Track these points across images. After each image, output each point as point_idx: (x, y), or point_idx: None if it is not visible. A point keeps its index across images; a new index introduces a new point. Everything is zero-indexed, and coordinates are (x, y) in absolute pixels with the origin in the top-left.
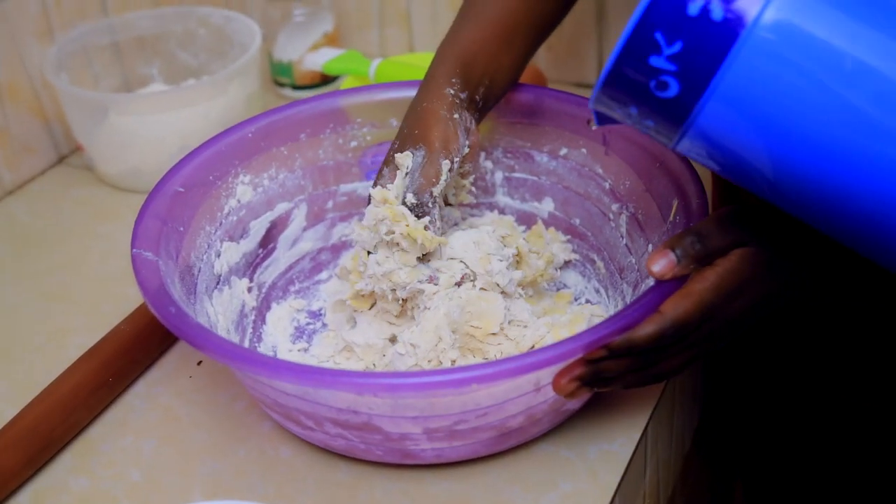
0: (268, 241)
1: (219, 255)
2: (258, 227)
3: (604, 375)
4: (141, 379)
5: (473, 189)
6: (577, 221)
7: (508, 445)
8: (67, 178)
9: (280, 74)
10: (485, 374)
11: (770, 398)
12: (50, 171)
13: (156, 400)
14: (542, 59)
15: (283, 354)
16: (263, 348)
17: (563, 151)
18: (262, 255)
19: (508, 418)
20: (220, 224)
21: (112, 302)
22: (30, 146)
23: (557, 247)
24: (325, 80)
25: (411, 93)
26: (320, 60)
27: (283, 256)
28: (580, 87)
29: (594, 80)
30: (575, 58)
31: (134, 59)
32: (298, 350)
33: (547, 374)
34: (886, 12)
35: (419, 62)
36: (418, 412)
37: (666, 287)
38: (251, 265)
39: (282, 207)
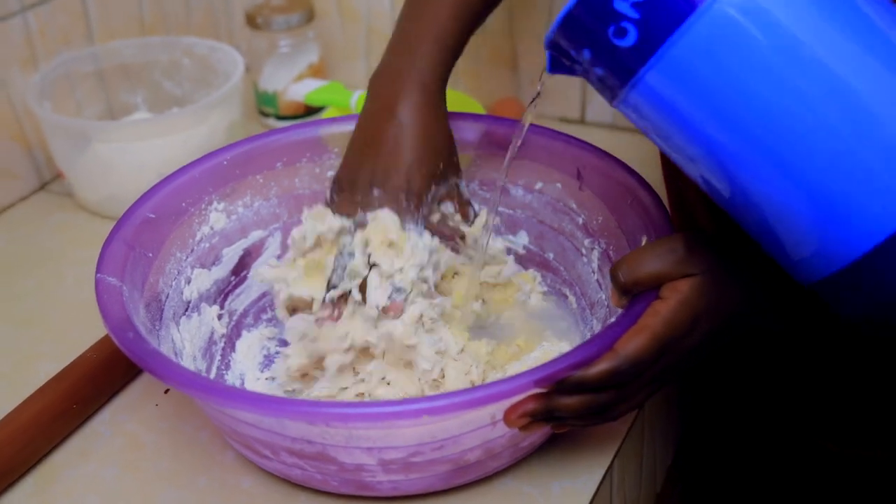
0: (241, 268)
1: (189, 282)
2: (231, 255)
3: (557, 412)
4: (107, 406)
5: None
6: (551, 256)
7: (467, 480)
8: (48, 205)
9: (265, 105)
10: (436, 406)
11: (749, 435)
12: (32, 198)
13: (121, 427)
14: (526, 94)
15: (251, 383)
16: (231, 376)
17: (539, 185)
18: (234, 283)
19: (465, 452)
20: (192, 251)
21: (83, 329)
22: (11, 172)
23: (534, 297)
24: (310, 111)
25: None
26: (303, 91)
27: (255, 284)
28: (563, 123)
29: (577, 114)
30: (558, 93)
31: (118, 87)
32: (266, 379)
33: (501, 409)
34: (848, 14)
35: None
36: (371, 443)
37: (624, 324)
38: (222, 292)
39: (256, 235)
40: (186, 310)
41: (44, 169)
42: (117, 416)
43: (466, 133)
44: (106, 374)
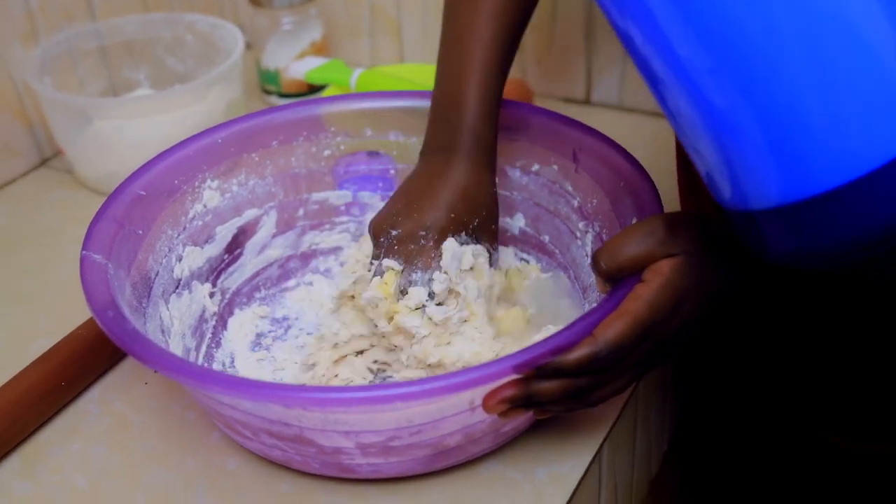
0: (234, 246)
1: (180, 260)
2: (224, 233)
3: (536, 398)
4: (97, 384)
5: None
6: (547, 238)
7: (448, 464)
8: (48, 181)
9: (267, 82)
10: (409, 392)
11: (750, 422)
12: (32, 174)
13: (109, 406)
14: (531, 74)
15: (241, 361)
16: (221, 355)
17: (535, 167)
18: (227, 261)
19: (445, 436)
20: (184, 228)
21: (78, 307)
22: (12, 148)
23: (540, 282)
24: (313, 89)
25: (388, 103)
26: (303, 69)
27: (249, 263)
28: (568, 103)
29: (582, 95)
30: (563, 73)
31: (121, 63)
32: (257, 359)
33: (480, 395)
34: None
35: (405, 74)
36: (349, 427)
37: (605, 308)
38: (215, 270)
39: (250, 214)
40: (177, 287)
41: (44, 145)
42: (106, 395)
43: None
44: (95, 352)
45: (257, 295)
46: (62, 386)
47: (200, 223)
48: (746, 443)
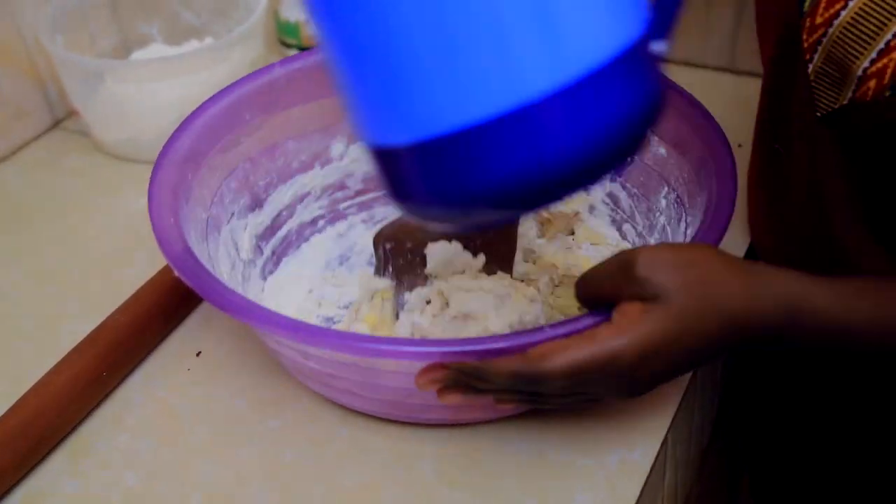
0: None
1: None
2: None
3: (467, 384)
4: (137, 370)
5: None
6: None
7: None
8: (63, 145)
9: (287, 35)
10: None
11: (787, 388)
12: (45, 136)
13: (153, 394)
14: None
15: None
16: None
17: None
18: None
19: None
20: None
21: (107, 285)
22: (23, 109)
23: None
24: None
25: None
26: None
27: None
28: (685, 66)
29: (699, 59)
30: (679, 33)
31: (133, 17)
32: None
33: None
34: None
35: None
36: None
37: (556, 332)
38: None
39: None
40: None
41: (57, 105)
42: (149, 383)
43: None
44: (136, 337)
45: None
46: (104, 376)
47: None
48: (782, 404)
